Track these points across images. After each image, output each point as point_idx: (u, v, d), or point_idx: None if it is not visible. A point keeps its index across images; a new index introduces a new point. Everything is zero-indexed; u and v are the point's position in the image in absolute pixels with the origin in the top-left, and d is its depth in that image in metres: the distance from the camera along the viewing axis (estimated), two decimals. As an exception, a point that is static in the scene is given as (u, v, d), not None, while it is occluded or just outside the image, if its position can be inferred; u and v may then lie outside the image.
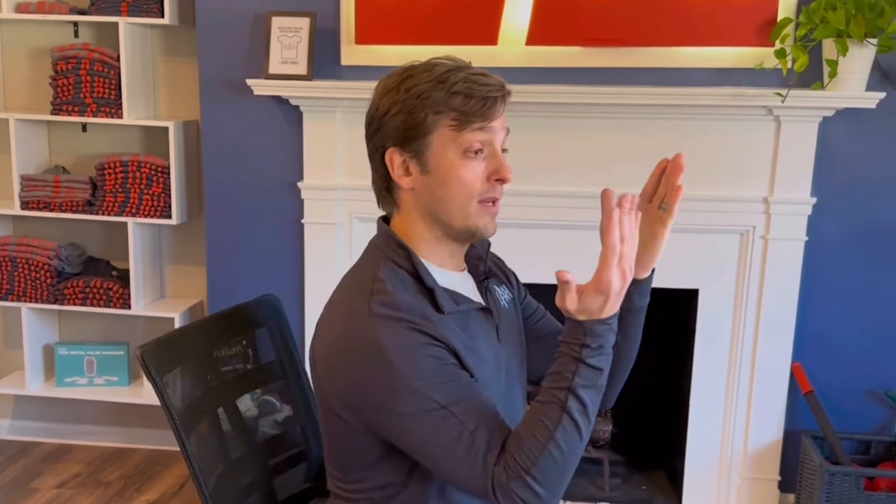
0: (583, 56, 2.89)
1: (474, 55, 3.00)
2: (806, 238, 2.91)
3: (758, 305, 2.96)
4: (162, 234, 3.49)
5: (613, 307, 1.27)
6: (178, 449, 3.43)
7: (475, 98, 1.34)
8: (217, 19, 3.04)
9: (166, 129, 3.23)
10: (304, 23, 2.97)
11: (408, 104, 1.34)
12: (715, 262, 2.99)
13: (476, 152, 1.36)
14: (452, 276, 1.44)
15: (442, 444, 1.27)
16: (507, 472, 1.24)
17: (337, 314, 1.39)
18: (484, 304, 1.46)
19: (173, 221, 3.25)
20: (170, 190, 3.23)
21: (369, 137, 1.41)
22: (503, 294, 1.55)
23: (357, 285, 1.38)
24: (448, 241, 1.43)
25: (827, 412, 2.90)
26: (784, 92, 2.66)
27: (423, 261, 1.40)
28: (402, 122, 1.35)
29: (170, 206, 3.24)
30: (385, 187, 1.42)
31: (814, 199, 2.88)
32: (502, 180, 1.38)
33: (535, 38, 2.88)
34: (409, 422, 1.29)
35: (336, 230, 3.06)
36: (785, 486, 3.08)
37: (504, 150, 1.40)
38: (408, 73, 1.37)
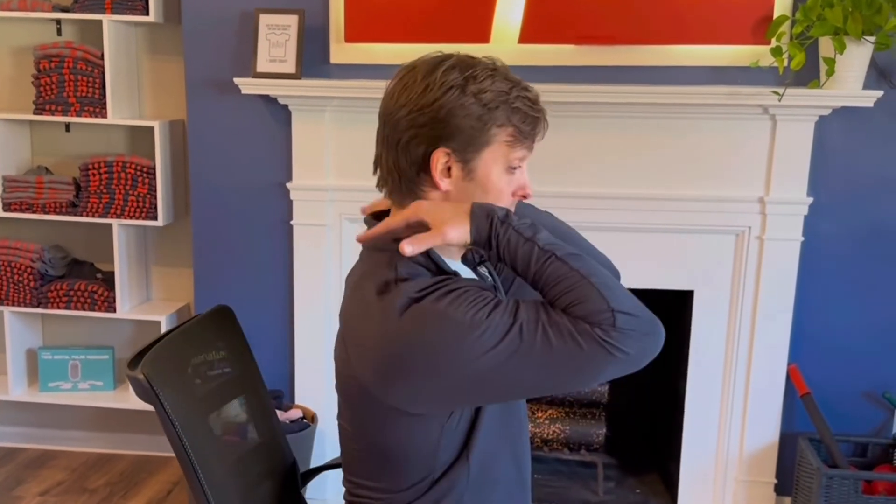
0: (576, 54, 2.86)
1: (467, 52, 2.97)
2: (802, 238, 2.88)
3: (753, 307, 2.93)
4: (147, 236, 3.43)
5: (453, 216, 1.31)
6: (164, 454, 3.42)
7: (531, 117, 1.35)
8: (203, 17, 2.99)
9: (152, 128, 3.18)
10: (292, 20, 2.92)
11: (475, 111, 1.32)
12: (710, 263, 2.96)
13: (516, 168, 1.38)
14: (457, 265, 1.43)
15: (539, 353, 1.23)
16: (601, 325, 1.21)
17: (376, 325, 1.32)
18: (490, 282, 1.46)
19: (159, 223, 3.20)
20: (155, 191, 3.18)
21: (417, 126, 1.33)
22: (487, 276, 1.52)
23: (381, 292, 1.33)
24: None
25: (823, 414, 2.87)
26: (781, 90, 2.63)
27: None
28: (469, 128, 1.32)
29: (155, 208, 3.19)
30: (410, 180, 1.37)
31: (810, 199, 2.85)
32: (525, 196, 1.42)
33: (527, 35, 2.84)
34: (497, 358, 1.24)
35: (326, 231, 3.01)
36: (781, 489, 3.05)
37: None
38: (470, 74, 1.33)
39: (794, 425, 3.02)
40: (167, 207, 3.23)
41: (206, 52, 3.01)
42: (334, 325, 3.10)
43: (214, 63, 3.01)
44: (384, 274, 1.34)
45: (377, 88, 2.87)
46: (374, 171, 1.42)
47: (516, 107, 1.33)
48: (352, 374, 1.38)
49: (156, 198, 3.18)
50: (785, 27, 2.70)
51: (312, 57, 2.96)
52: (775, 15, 2.71)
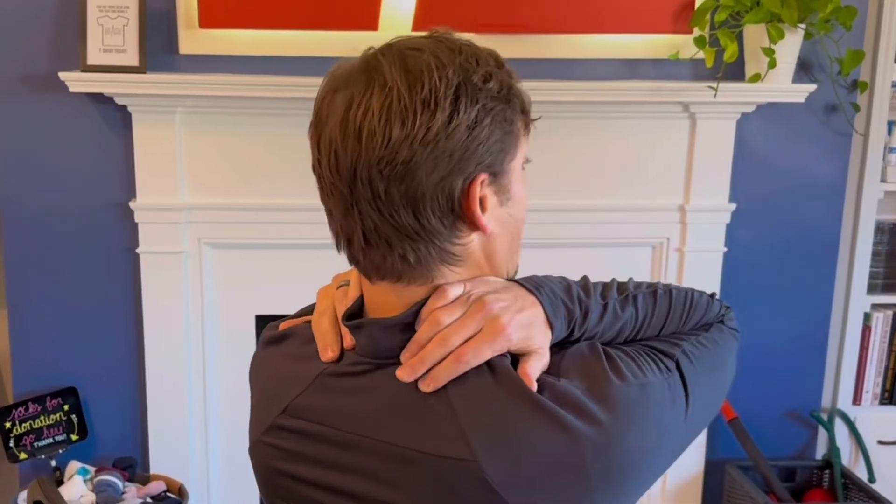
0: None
1: (351, 44, 2.51)
2: (725, 249, 2.61)
3: (674, 325, 2.64)
4: (-59, 272, 2.73)
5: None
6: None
7: (518, 87, 0.97)
8: (10, -4, 2.37)
9: (-56, 137, 2.49)
10: (130, 1, 2.35)
11: (498, 108, 0.91)
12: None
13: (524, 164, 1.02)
14: None
15: (707, 378, 1.05)
16: (722, 316, 1.11)
17: (567, 441, 0.92)
18: None
19: (-41, 256, 2.52)
20: (-48, 216, 2.50)
21: (444, 157, 0.89)
22: None
23: (541, 400, 0.94)
24: None
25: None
26: (714, 85, 2.34)
27: None
28: (501, 133, 0.92)
29: (-47, 237, 2.51)
30: (440, 238, 0.92)
31: (732, 206, 2.59)
32: None
33: (422, 22, 2.41)
34: (695, 404, 1.02)
35: (183, 260, 2.45)
36: (709, 522, 2.79)
37: None
38: (462, 59, 0.90)
39: (717, 451, 2.76)
40: (-32, 236, 2.55)
41: (14, 41, 2.38)
42: (196, 375, 2.56)
43: (27, 54, 2.38)
44: (514, 379, 0.93)
45: (240, 85, 2.38)
46: (357, 257, 0.95)
47: (513, 82, 0.95)
48: None
49: (-47, 225, 2.50)
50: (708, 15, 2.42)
51: (156, 46, 2.40)
52: (698, 1, 2.43)
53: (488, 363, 0.93)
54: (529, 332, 0.94)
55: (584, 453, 0.91)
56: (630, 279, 1.07)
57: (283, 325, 1.09)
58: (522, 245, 1.07)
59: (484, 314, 0.93)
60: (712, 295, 1.12)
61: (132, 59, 2.34)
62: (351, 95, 0.91)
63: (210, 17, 2.39)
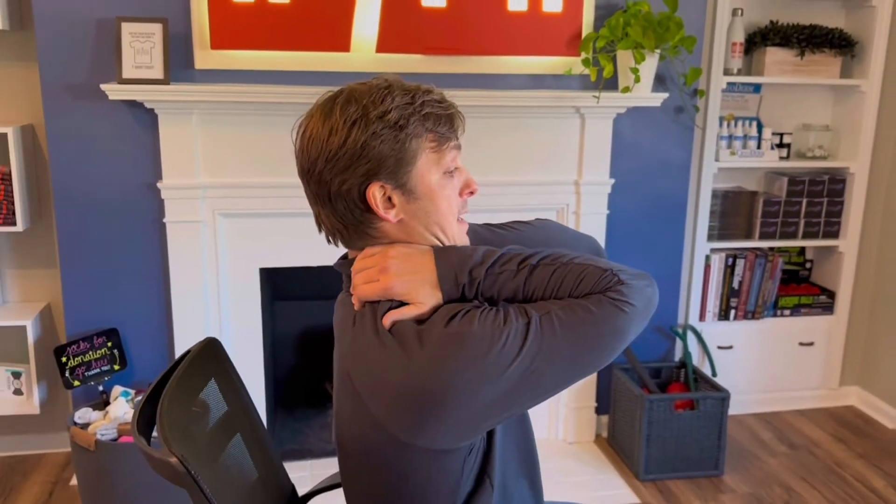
0: (425, 63, 3.06)
1: (329, 61, 3.05)
2: (608, 212, 3.33)
3: (570, 269, 3.33)
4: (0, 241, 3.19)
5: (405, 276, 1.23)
6: (36, 452, 3.20)
7: (444, 116, 1.25)
8: (57, 24, 2.82)
9: (4, 134, 2.95)
10: (156, 28, 2.85)
11: (388, 134, 1.21)
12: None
13: (453, 171, 1.28)
14: None
15: (563, 340, 1.15)
16: (609, 288, 1.16)
17: (394, 364, 1.17)
18: None
19: (19, 228, 2.99)
20: (12, 196, 2.97)
21: (339, 172, 1.22)
22: None
23: (386, 330, 1.22)
24: None
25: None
26: (597, 94, 3.03)
27: None
28: (390, 152, 1.21)
29: (13, 213, 2.98)
30: (358, 223, 1.27)
31: (612, 181, 3.30)
32: (472, 192, 1.33)
33: (383, 46, 2.99)
34: (525, 361, 1.14)
35: (201, 228, 3.00)
36: (599, 409, 3.54)
37: None
38: (368, 101, 1.22)
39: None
40: (24, 212, 3.02)
41: (62, 59, 2.84)
42: (213, 317, 3.11)
43: (71, 69, 2.85)
44: (377, 317, 1.24)
45: (242, 92, 2.95)
46: (319, 230, 1.32)
47: (426, 112, 1.23)
48: (366, 420, 1.23)
49: (13, 203, 2.97)
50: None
51: (175, 63, 2.91)
52: (584, 32, 3.10)
53: (378, 302, 1.22)
54: (411, 288, 1.19)
55: (403, 374, 1.14)
56: (556, 251, 1.23)
57: None
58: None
59: (380, 269, 1.22)
60: (608, 269, 1.16)
61: (158, 73, 2.84)
62: (305, 121, 1.26)
63: (219, 41, 2.90)
